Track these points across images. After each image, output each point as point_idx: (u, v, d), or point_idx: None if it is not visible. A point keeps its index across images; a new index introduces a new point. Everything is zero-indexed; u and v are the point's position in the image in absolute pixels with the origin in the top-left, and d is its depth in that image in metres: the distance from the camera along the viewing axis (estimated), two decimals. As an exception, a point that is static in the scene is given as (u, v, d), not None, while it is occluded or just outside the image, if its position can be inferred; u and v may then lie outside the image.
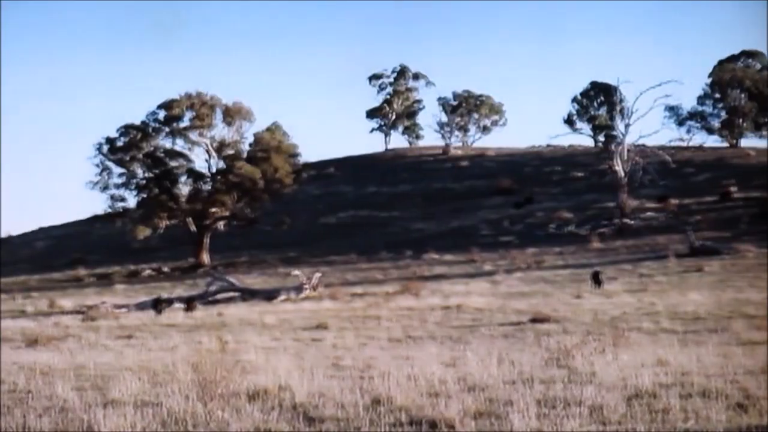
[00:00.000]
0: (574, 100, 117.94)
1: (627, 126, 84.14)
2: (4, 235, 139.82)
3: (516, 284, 51.83)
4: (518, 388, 14.93)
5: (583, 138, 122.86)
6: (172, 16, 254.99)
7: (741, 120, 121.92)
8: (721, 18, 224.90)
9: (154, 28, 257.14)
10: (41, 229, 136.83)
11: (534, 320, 31.20)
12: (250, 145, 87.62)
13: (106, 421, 12.91)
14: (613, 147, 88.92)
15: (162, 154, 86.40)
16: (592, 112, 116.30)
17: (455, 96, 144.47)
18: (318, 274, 55.67)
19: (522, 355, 20.70)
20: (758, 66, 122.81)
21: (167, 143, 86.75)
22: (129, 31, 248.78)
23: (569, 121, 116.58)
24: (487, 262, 65.04)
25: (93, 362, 20.79)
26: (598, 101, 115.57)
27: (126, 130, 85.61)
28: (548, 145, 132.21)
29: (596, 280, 46.40)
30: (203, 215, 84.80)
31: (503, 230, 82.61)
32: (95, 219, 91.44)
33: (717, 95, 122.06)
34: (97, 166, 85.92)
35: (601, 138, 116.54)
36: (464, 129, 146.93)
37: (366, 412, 13.25)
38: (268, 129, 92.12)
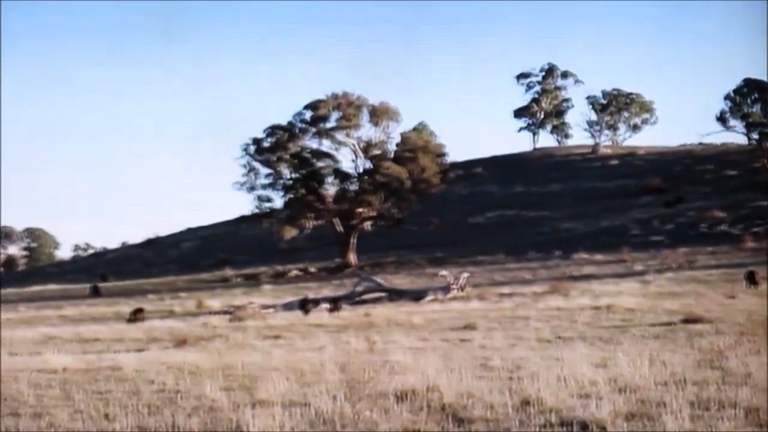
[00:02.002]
0: (727, 97, 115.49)
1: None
2: (152, 235, 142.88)
3: (667, 284, 50.85)
4: (670, 390, 14.55)
5: (736, 136, 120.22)
6: (320, 16, 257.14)
7: None
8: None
9: (298, 28, 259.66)
10: (189, 230, 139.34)
11: (686, 321, 30.42)
12: (397, 145, 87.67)
13: (254, 421, 12.90)
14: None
15: (308, 155, 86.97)
16: (746, 110, 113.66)
17: (604, 94, 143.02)
18: (465, 274, 55.36)
19: (674, 356, 20.14)
20: None
21: (314, 144, 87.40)
22: (276, 33, 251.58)
23: (722, 119, 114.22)
24: (638, 262, 64.07)
25: (241, 362, 20.86)
26: (752, 98, 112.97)
27: (273, 130, 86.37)
28: (700, 144, 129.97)
29: (751, 279, 45.16)
30: (350, 215, 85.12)
31: (653, 230, 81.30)
32: (242, 219, 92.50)
33: None
34: (244, 166, 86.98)
35: (755, 136, 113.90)
36: (614, 127, 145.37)
37: (515, 413, 13.09)
38: (415, 129, 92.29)
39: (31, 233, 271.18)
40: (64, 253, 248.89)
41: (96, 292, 75.02)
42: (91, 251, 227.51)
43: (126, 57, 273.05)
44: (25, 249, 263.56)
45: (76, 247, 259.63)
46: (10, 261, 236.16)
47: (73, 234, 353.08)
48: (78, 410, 14.80)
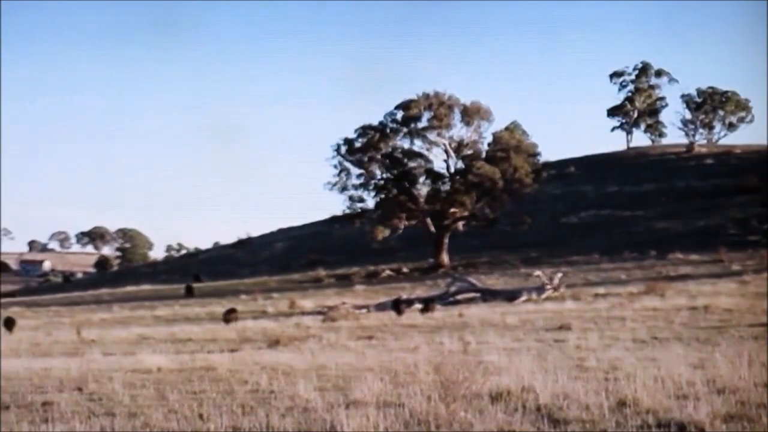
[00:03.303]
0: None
1: None
2: (244, 236, 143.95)
3: (765, 285, 50.06)
4: (772, 391, 14.26)
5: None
6: (416, 16, 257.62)
7: None
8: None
9: (395, 29, 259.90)
10: (280, 231, 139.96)
11: (787, 321, 29.94)
12: (489, 144, 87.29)
13: (348, 422, 12.86)
14: None
15: (400, 155, 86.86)
16: None
17: (699, 93, 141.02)
18: (559, 275, 55.04)
19: (774, 357, 19.78)
20: None
21: (405, 144, 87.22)
22: (370, 33, 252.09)
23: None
24: (735, 262, 63.14)
25: (334, 363, 20.87)
26: None
27: (364, 131, 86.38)
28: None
29: None
30: (442, 215, 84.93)
31: (751, 229, 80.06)
32: (334, 220, 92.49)
33: None
34: (336, 167, 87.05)
35: None
36: (709, 126, 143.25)
37: (611, 414, 12.96)
38: (507, 128, 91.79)
39: (125, 234, 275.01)
40: (157, 253, 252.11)
41: (189, 293, 75.68)
42: (183, 252, 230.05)
43: (233, 63, 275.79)
44: (118, 249, 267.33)
45: (169, 248, 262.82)
46: (104, 261, 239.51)
47: (166, 234, 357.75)
48: (172, 410, 14.88)
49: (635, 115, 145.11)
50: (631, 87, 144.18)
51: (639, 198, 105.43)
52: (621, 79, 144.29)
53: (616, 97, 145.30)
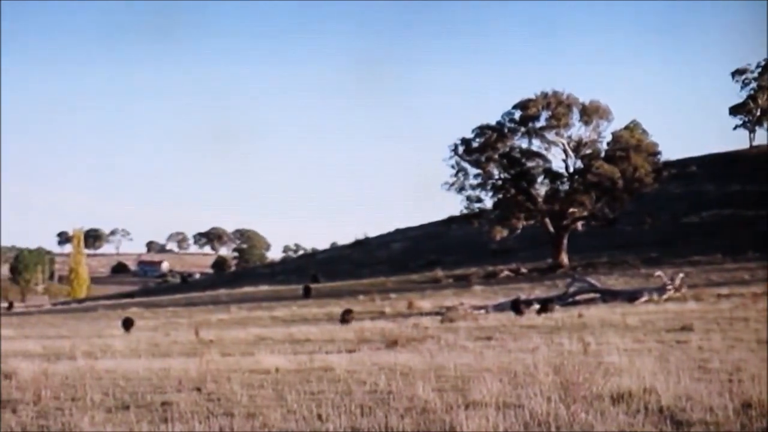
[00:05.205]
0: None
1: None
2: (361, 236, 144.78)
3: None
4: None
5: None
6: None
7: None
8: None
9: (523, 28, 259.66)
10: (397, 231, 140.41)
11: None
12: (608, 143, 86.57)
13: (467, 423, 12.75)
14: None
15: (518, 155, 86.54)
16: None
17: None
18: (681, 275, 54.37)
19: None
20: None
21: (523, 143, 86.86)
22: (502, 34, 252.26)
23: None
24: None
25: (453, 363, 20.73)
26: None
27: (481, 130, 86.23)
28: None
29: None
30: (561, 215, 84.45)
31: None
32: (451, 220, 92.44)
33: None
34: (453, 167, 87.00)
35: None
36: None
37: (736, 416, 12.70)
38: (627, 127, 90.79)
39: (242, 234, 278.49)
40: (274, 254, 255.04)
41: (307, 293, 76.17)
42: (301, 252, 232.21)
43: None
44: (236, 250, 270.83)
45: (286, 248, 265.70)
46: (221, 262, 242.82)
47: (284, 235, 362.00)
48: (291, 411, 14.89)
49: (758, 113, 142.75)
50: (753, 85, 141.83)
51: (762, 197, 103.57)
52: (743, 76, 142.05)
53: (739, 95, 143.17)
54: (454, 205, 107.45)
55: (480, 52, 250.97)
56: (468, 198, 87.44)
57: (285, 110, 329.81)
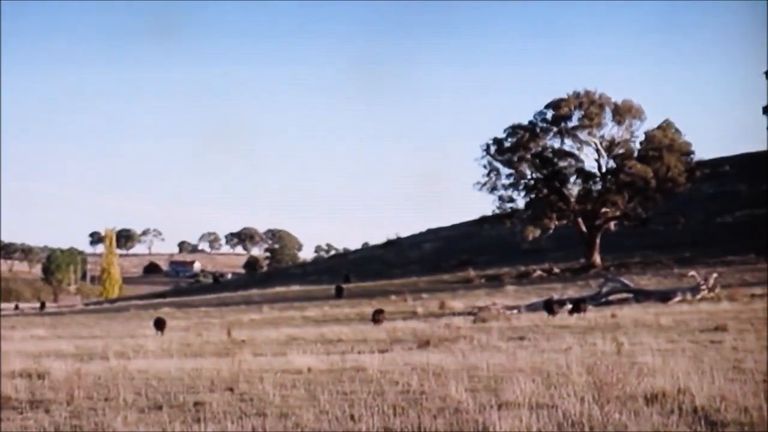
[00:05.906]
0: None
1: None
2: (393, 236, 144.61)
3: None
4: None
5: None
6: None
7: None
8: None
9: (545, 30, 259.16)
10: (429, 231, 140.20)
11: None
12: (641, 143, 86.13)
13: (500, 423, 12.73)
14: None
15: (550, 154, 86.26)
16: None
17: None
18: (715, 275, 54.12)
19: None
20: None
21: (555, 143, 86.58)
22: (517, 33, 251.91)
23: None
24: None
25: (485, 363, 20.69)
26: None
27: (514, 130, 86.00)
28: None
29: None
30: (594, 215, 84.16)
31: None
32: (483, 220, 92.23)
33: None
34: (485, 167, 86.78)
35: None
36: None
37: (772, 417, 12.51)
38: (660, 127, 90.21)
39: (274, 235, 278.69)
40: (306, 254, 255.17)
41: (339, 293, 76.19)
42: (333, 252, 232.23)
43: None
44: (268, 250, 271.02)
45: (318, 248, 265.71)
46: (253, 262, 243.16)
47: (315, 235, 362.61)
48: (323, 411, 14.89)
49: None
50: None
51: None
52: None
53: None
54: (486, 205, 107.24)
55: (522, 50, 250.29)
56: (500, 198, 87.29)
57: (318, 111, 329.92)
